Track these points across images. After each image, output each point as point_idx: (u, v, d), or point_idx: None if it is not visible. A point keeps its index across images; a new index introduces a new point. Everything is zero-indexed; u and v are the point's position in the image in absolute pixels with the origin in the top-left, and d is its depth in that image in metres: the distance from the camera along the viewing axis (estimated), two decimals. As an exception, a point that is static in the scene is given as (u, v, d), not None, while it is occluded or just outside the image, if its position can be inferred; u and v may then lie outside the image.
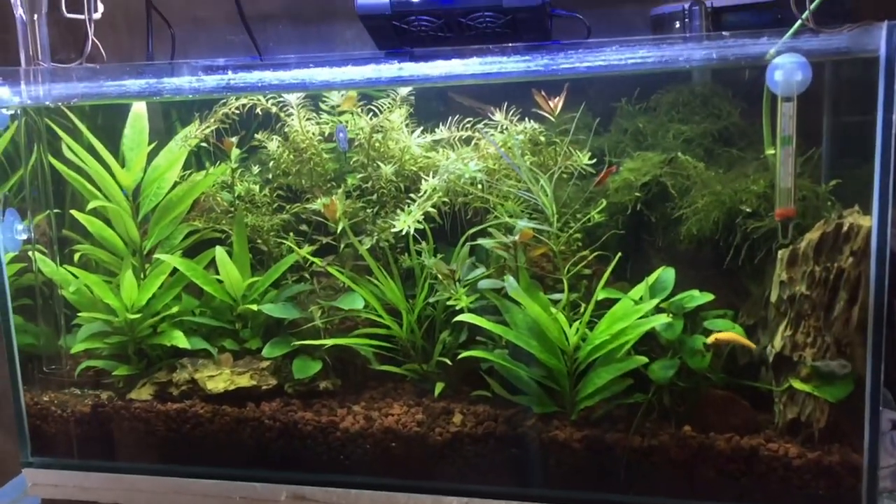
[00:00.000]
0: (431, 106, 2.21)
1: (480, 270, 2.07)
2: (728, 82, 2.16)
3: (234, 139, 2.24)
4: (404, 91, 2.15)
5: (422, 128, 2.20)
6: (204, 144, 2.32)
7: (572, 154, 2.04)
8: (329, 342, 2.10)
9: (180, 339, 2.16)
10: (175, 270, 2.23)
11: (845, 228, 1.73)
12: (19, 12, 2.13)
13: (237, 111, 2.19)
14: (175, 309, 2.23)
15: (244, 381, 2.13)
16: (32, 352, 2.32)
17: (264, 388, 2.13)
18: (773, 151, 1.82)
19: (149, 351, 2.26)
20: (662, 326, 1.87)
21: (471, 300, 2.01)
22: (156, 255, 2.25)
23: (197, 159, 2.42)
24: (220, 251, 2.20)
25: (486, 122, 2.10)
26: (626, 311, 1.91)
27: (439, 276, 2.03)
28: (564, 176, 2.03)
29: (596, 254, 1.99)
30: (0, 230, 2.18)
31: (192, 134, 2.22)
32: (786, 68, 1.67)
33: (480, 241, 2.04)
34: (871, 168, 1.65)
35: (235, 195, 2.30)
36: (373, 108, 2.17)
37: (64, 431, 2.23)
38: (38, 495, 2.24)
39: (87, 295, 2.25)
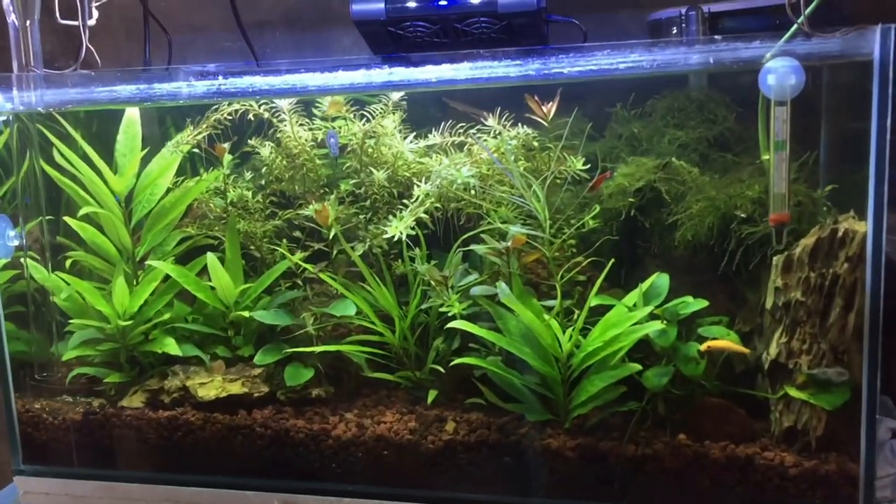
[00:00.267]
0: (424, 111, 2.20)
1: (473, 277, 2.05)
2: (723, 87, 2.15)
3: (227, 145, 2.23)
4: (396, 96, 2.14)
5: (414, 133, 2.19)
6: (197, 151, 2.31)
7: (566, 159, 2.02)
8: (320, 349, 2.09)
9: (172, 346, 2.15)
10: (167, 277, 2.22)
11: (840, 234, 1.71)
12: (11, 18, 2.12)
13: (230, 117, 2.18)
14: (167, 316, 2.22)
15: (236, 388, 2.11)
16: (24, 359, 2.30)
17: (256, 395, 2.11)
18: (769, 156, 1.80)
19: (141, 358, 2.25)
20: (656, 333, 1.85)
21: (463, 307, 1.99)
22: (148, 262, 2.23)
23: (192, 165, 2.41)
24: (211, 257, 2.19)
25: (479, 127, 2.08)
26: (620, 317, 1.89)
27: (432, 282, 2.02)
28: (558, 181, 2.01)
29: (590, 260, 1.97)
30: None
31: (184, 140, 2.21)
32: (779, 72, 1.66)
33: (473, 246, 2.02)
34: (866, 172, 1.63)
35: (228, 201, 2.28)
36: (365, 113, 2.16)
37: (56, 439, 2.21)
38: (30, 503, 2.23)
39: (78, 302, 2.24)
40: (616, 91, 2.21)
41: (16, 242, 2.22)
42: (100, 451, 2.19)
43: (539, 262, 2.08)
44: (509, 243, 1.94)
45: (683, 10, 2.06)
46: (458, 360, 1.96)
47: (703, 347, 1.80)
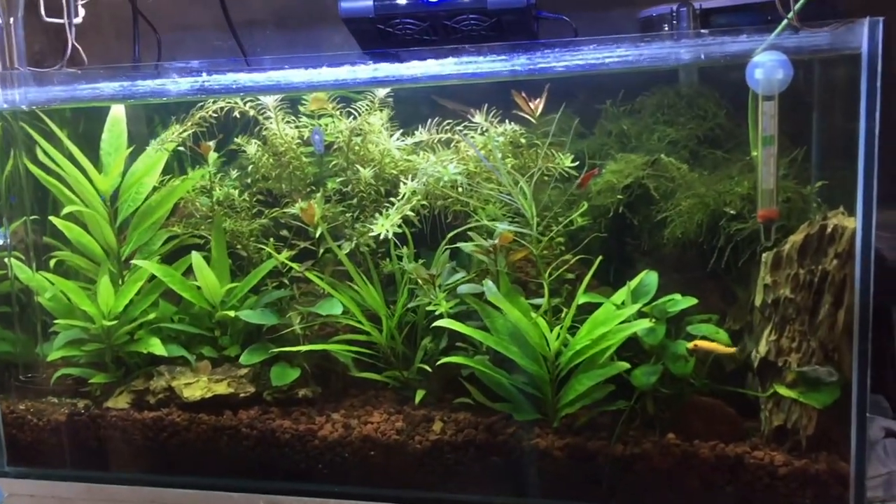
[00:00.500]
0: (411, 108, 2.18)
1: (461, 275, 2.03)
2: (714, 83, 2.13)
3: (212, 143, 2.21)
4: (382, 93, 2.12)
5: (401, 131, 2.17)
6: (182, 149, 2.29)
7: (554, 156, 2.00)
8: (305, 348, 2.06)
9: (157, 347, 2.13)
10: (153, 276, 2.20)
11: (829, 230, 1.68)
12: (-5, 16, 2.11)
13: (215, 115, 2.16)
14: (152, 315, 2.20)
15: (221, 388, 2.09)
16: (9, 360, 2.29)
17: (242, 395, 2.09)
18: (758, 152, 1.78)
19: (126, 358, 2.23)
20: (644, 331, 1.82)
21: (451, 305, 1.97)
22: (133, 261, 2.21)
23: (179, 164, 2.39)
24: (196, 257, 2.17)
25: (466, 124, 2.06)
26: (609, 315, 1.87)
27: (419, 281, 2.00)
28: (546, 179, 1.99)
29: (578, 257, 1.95)
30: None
31: (169, 138, 2.19)
32: (766, 66, 1.63)
33: (460, 244, 2.00)
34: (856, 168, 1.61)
35: (214, 200, 2.26)
36: (352, 110, 2.14)
37: (41, 440, 2.19)
38: (15, 505, 2.21)
39: (63, 302, 2.22)
40: (606, 88, 2.19)
41: (0, 242, 2.20)
42: (85, 453, 2.17)
43: (528, 261, 2.05)
44: (496, 241, 1.92)
45: (675, 7, 2.04)
46: (444, 360, 1.93)
47: (690, 345, 1.77)
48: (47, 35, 2.49)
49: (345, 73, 1.88)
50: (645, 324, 1.82)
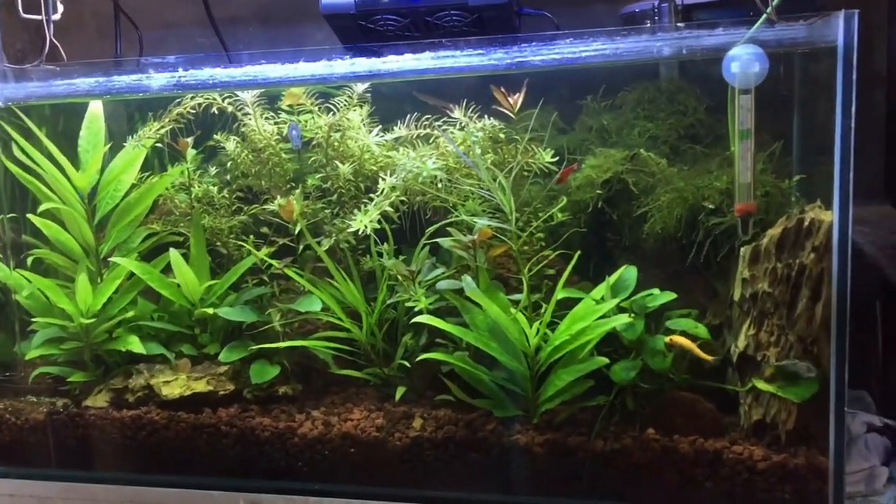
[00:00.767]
0: (391, 104, 2.17)
1: (441, 271, 2.02)
2: (694, 77, 2.12)
3: (190, 139, 2.19)
4: (361, 88, 2.10)
5: (381, 127, 2.16)
6: (161, 146, 2.27)
7: (534, 152, 1.99)
8: (285, 345, 2.05)
9: (135, 344, 2.11)
10: (132, 274, 2.19)
11: (807, 224, 1.68)
12: (-31, 13, 2.09)
13: (193, 111, 2.15)
14: (131, 313, 2.18)
15: (200, 386, 2.08)
16: (-14, 358, 2.27)
17: (221, 393, 2.08)
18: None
19: (105, 357, 2.21)
20: (623, 326, 1.82)
21: (430, 301, 1.96)
22: (112, 259, 2.20)
23: (159, 161, 2.37)
24: (174, 254, 2.15)
25: (445, 119, 2.05)
26: (588, 311, 1.86)
27: (399, 277, 1.99)
28: (526, 174, 1.98)
29: (558, 253, 1.94)
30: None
31: (147, 135, 2.17)
32: (742, 60, 1.63)
33: (439, 240, 1.99)
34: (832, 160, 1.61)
35: (193, 197, 2.25)
36: (330, 105, 2.12)
37: (19, 440, 2.18)
38: (-7, 506, 2.20)
39: (41, 300, 2.20)
40: (588, 84, 2.19)
41: (-24, 240, 2.19)
42: (64, 452, 2.15)
43: (508, 256, 2.05)
44: (475, 237, 1.91)
45: (656, 3, 2.03)
46: (424, 356, 1.93)
47: (667, 340, 1.77)
48: (29, 33, 2.48)
49: (322, 67, 1.87)
50: (624, 319, 1.81)
